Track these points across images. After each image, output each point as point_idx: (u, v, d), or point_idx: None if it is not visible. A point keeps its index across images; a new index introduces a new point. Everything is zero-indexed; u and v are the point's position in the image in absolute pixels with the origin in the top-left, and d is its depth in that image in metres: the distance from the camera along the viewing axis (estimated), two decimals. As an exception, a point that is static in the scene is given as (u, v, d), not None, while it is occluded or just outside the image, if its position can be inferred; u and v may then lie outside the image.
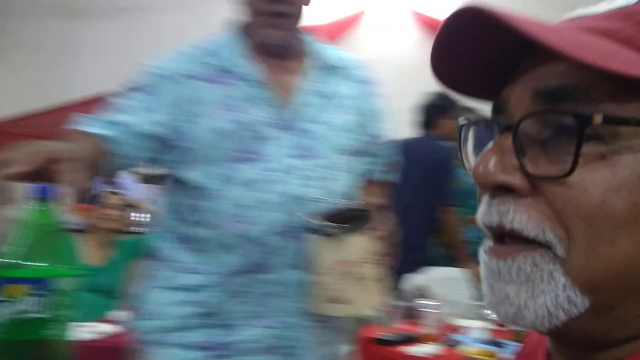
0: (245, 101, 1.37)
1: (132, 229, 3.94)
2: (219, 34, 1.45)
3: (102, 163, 1.26)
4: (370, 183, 1.59)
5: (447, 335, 2.44)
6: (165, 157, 1.38)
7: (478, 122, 0.52)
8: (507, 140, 0.46)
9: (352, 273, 1.26)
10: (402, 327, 2.65)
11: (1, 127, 4.71)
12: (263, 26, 1.37)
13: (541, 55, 0.47)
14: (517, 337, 2.49)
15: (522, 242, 0.45)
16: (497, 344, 2.36)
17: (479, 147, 0.51)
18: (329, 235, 1.26)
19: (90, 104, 1.58)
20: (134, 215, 4.18)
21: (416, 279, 3.37)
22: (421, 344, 2.36)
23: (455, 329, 2.61)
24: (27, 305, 0.81)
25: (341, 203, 1.39)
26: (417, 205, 3.51)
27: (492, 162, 0.46)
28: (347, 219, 1.28)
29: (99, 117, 1.33)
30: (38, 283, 0.81)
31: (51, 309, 0.83)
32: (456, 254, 3.48)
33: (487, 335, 2.45)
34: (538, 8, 2.70)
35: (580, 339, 0.47)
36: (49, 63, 5.07)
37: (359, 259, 1.27)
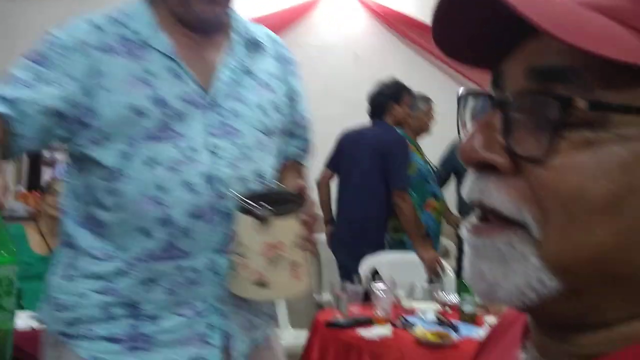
0: (162, 77, 1.28)
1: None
2: (135, 4, 1.34)
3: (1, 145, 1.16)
4: (292, 165, 1.54)
5: (401, 317, 2.46)
6: (76, 136, 1.26)
7: (476, 94, 0.51)
8: (497, 117, 0.46)
9: (279, 256, 1.22)
10: (357, 310, 2.67)
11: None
12: (199, 1, 1.28)
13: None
14: (466, 317, 2.54)
15: (501, 221, 0.45)
16: (451, 326, 2.40)
17: (476, 118, 0.51)
18: (255, 217, 1.21)
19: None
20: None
21: (372, 263, 3.40)
22: (375, 327, 2.38)
23: (409, 311, 2.64)
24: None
25: (267, 185, 1.36)
26: (373, 191, 3.56)
27: (477, 139, 0.46)
28: (273, 201, 1.24)
29: None
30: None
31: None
32: (412, 238, 3.52)
33: (440, 318, 2.48)
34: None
35: (553, 319, 0.47)
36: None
37: (286, 242, 1.23)
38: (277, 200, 1.26)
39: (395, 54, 4.83)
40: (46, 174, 4.49)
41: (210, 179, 1.27)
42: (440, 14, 0.48)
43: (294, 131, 1.51)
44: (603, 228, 0.42)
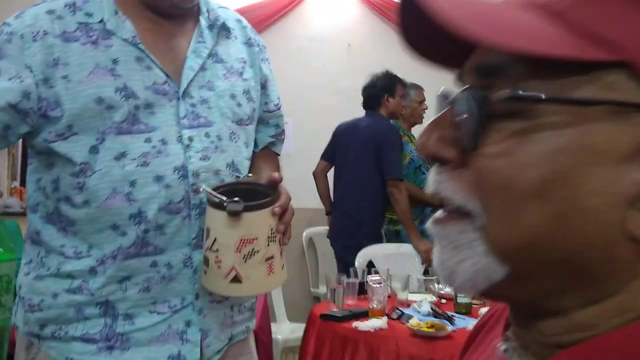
0: (129, 66, 1.22)
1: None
2: None
3: None
4: (266, 154, 1.49)
5: (396, 309, 2.48)
6: (42, 131, 1.20)
7: (444, 95, 0.54)
8: (448, 113, 0.48)
9: (253, 251, 1.18)
10: (352, 302, 2.68)
11: None
12: None
13: None
14: (461, 309, 2.55)
15: (456, 212, 0.48)
16: (446, 318, 2.41)
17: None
18: (227, 211, 1.16)
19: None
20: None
21: (367, 255, 3.41)
22: (370, 319, 2.39)
23: (404, 303, 2.66)
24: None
25: (239, 177, 1.32)
26: (368, 182, 3.58)
27: (429, 135, 0.48)
28: (245, 194, 1.19)
29: None
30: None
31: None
32: (407, 228, 3.54)
33: (436, 309, 2.50)
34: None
35: (514, 305, 0.51)
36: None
37: (259, 236, 1.19)
38: (250, 193, 1.21)
39: (388, 44, 4.81)
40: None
41: (182, 172, 1.23)
42: (401, 21, 0.50)
43: (267, 119, 1.46)
44: (534, 213, 0.43)
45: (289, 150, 4.63)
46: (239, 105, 1.34)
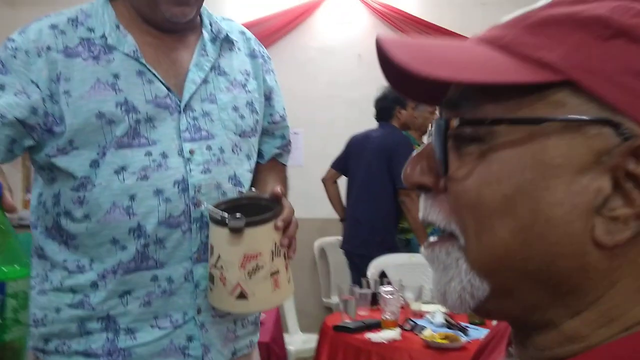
0: (130, 80, 1.22)
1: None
2: (95, 2, 1.27)
3: None
4: (272, 165, 1.48)
5: (409, 320, 2.47)
6: (45, 145, 1.21)
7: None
8: (429, 145, 0.52)
9: (258, 267, 1.17)
10: (365, 313, 2.68)
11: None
12: (167, 2, 1.21)
13: None
14: (474, 320, 2.54)
15: (445, 235, 0.51)
16: (460, 329, 2.41)
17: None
18: (230, 228, 1.15)
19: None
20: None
21: (380, 265, 3.41)
22: (383, 330, 2.38)
23: (417, 314, 2.65)
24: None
25: (243, 191, 1.31)
26: (380, 192, 3.61)
27: (412, 166, 0.52)
28: (248, 209, 1.18)
29: None
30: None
31: (8, 313, 0.80)
32: (418, 237, 3.55)
33: (449, 320, 2.49)
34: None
35: (507, 321, 0.53)
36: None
37: (263, 252, 1.18)
38: (253, 208, 1.21)
39: (398, 54, 4.80)
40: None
41: (183, 185, 1.23)
42: (381, 64, 0.53)
43: (273, 130, 1.46)
44: (504, 228, 0.46)
45: (300, 160, 4.66)
46: (242, 117, 1.34)
